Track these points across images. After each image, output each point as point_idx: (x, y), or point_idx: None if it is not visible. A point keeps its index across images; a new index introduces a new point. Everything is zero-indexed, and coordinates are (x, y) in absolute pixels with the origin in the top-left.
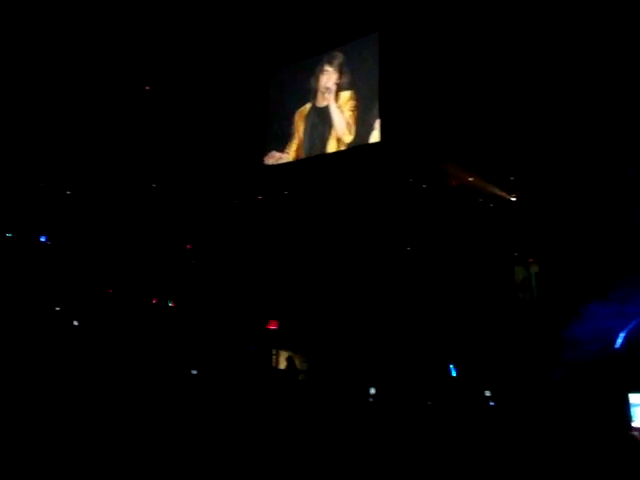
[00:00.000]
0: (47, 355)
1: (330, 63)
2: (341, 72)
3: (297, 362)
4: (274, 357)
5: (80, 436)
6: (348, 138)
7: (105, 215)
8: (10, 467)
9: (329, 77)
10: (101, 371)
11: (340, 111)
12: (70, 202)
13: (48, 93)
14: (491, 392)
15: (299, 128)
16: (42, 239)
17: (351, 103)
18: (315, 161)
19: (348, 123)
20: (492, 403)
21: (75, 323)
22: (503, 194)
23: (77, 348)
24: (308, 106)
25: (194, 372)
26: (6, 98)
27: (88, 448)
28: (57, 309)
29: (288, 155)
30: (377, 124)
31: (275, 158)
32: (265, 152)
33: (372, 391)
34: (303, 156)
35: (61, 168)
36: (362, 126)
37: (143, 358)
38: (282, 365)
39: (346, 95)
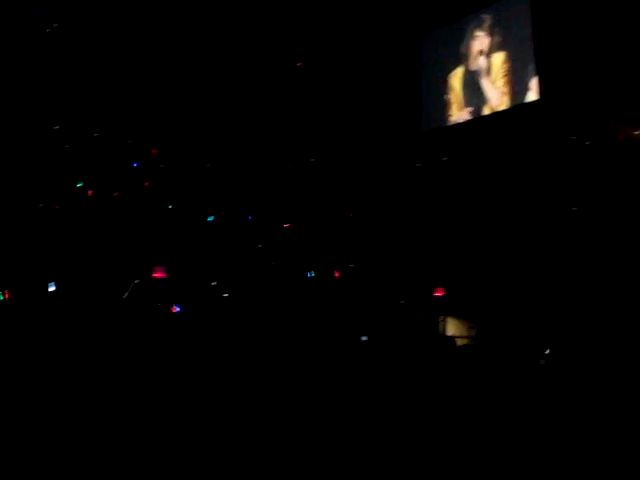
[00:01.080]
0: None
1: (480, 27)
2: (492, 34)
3: (463, 328)
4: (441, 324)
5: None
6: (502, 108)
7: (270, 190)
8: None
9: (481, 42)
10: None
11: (493, 79)
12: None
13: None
14: None
15: (455, 92)
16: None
17: (505, 67)
18: (471, 125)
19: (502, 92)
20: None
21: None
22: None
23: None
24: (460, 70)
25: (364, 338)
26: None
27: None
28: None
29: (447, 120)
30: (534, 82)
31: (433, 124)
32: (422, 118)
33: (546, 352)
34: (461, 120)
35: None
36: (518, 86)
37: (312, 326)
38: (449, 332)
39: (500, 58)
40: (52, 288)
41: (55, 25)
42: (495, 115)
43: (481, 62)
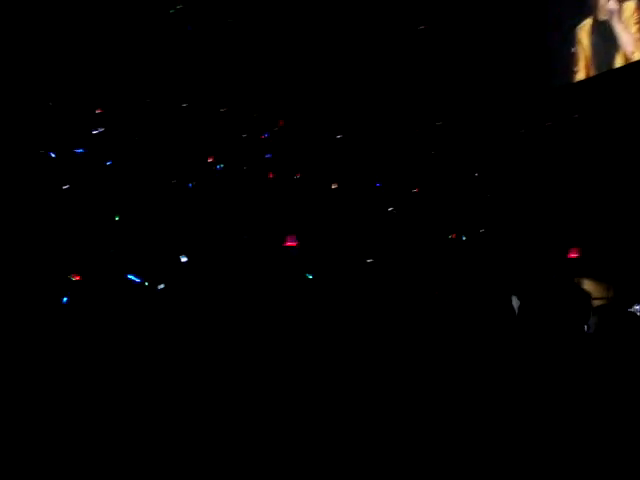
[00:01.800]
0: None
1: None
2: None
3: (600, 290)
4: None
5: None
6: (637, 55)
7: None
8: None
9: None
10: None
11: (625, 26)
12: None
13: None
14: None
15: (584, 45)
16: None
17: (637, 15)
18: (602, 79)
19: (636, 38)
20: None
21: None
22: None
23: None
24: (589, 21)
25: (515, 303)
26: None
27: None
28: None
29: (576, 75)
30: None
31: (562, 80)
32: (550, 73)
33: None
34: (593, 74)
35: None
36: None
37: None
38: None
39: (630, 6)
40: (184, 259)
41: (179, 7)
42: (628, 67)
43: (611, 8)
